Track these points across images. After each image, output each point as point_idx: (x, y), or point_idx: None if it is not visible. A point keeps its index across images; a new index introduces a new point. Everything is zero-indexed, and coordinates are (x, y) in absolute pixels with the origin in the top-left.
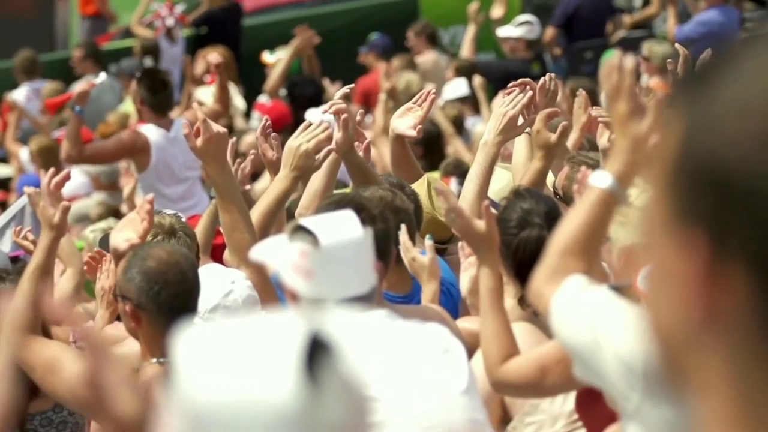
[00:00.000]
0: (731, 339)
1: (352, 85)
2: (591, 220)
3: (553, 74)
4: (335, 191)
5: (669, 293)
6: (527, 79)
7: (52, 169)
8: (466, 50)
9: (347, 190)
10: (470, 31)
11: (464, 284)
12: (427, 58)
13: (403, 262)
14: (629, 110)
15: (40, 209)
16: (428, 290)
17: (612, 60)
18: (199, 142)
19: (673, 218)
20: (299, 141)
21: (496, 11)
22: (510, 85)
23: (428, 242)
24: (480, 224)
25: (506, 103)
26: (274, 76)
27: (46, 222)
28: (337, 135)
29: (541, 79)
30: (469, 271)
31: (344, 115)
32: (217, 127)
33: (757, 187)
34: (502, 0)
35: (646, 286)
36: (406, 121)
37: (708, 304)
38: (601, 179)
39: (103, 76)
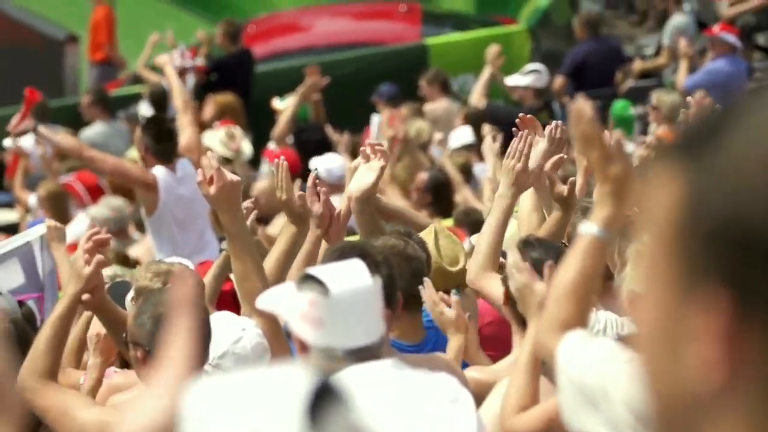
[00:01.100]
0: (752, 400)
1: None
2: (583, 268)
3: (559, 122)
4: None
5: (679, 354)
6: (531, 117)
7: (95, 228)
8: (477, 94)
9: (355, 238)
10: (485, 74)
11: (450, 353)
12: (439, 105)
13: (416, 311)
14: (602, 156)
15: (73, 260)
16: (454, 344)
17: (576, 108)
18: (212, 190)
19: (686, 277)
20: (278, 194)
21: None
22: (517, 121)
23: (454, 298)
24: (541, 285)
25: (510, 155)
26: (281, 123)
27: (76, 273)
28: (366, 178)
29: (547, 128)
30: (456, 339)
31: (382, 157)
32: (231, 175)
33: None
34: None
35: (642, 346)
36: (366, 178)
37: (731, 361)
38: (588, 227)
39: (31, 138)
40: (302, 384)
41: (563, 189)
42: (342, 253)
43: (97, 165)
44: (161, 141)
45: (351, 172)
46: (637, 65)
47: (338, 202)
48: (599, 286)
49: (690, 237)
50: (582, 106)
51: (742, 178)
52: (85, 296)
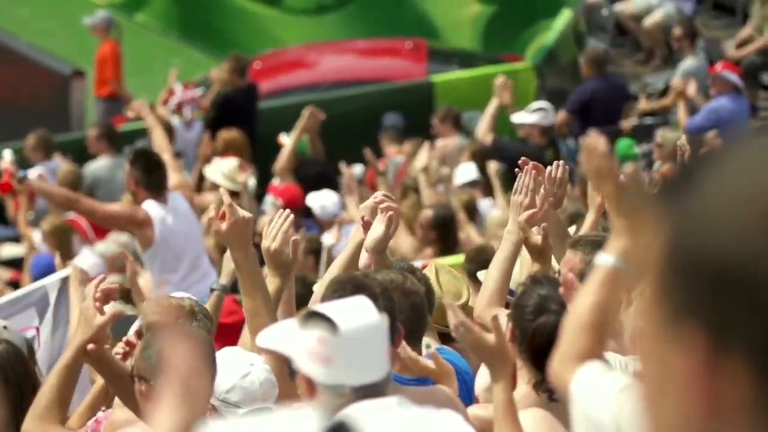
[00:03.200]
0: (735, 429)
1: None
2: (599, 299)
3: (561, 162)
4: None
5: (668, 392)
6: (535, 163)
7: (102, 276)
8: (483, 128)
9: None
10: (491, 107)
11: (480, 383)
12: (450, 142)
13: (416, 346)
14: (616, 189)
15: (83, 307)
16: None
17: (589, 143)
18: (224, 226)
19: (669, 317)
20: (266, 243)
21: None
22: (520, 162)
23: (431, 351)
24: (490, 338)
25: (518, 191)
26: (282, 157)
27: (86, 320)
28: (379, 231)
29: (548, 168)
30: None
31: (390, 213)
32: (243, 212)
33: (755, 278)
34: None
35: (640, 384)
36: (377, 231)
37: (709, 399)
38: (605, 258)
39: (7, 154)
40: (314, 425)
41: (537, 239)
42: (339, 284)
43: (91, 214)
44: (151, 173)
45: (364, 210)
46: (643, 104)
47: (331, 238)
48: (616, 317)
49: (670, 275)
50: (595, 141)
51: (713, 218)
52: (90, 346)
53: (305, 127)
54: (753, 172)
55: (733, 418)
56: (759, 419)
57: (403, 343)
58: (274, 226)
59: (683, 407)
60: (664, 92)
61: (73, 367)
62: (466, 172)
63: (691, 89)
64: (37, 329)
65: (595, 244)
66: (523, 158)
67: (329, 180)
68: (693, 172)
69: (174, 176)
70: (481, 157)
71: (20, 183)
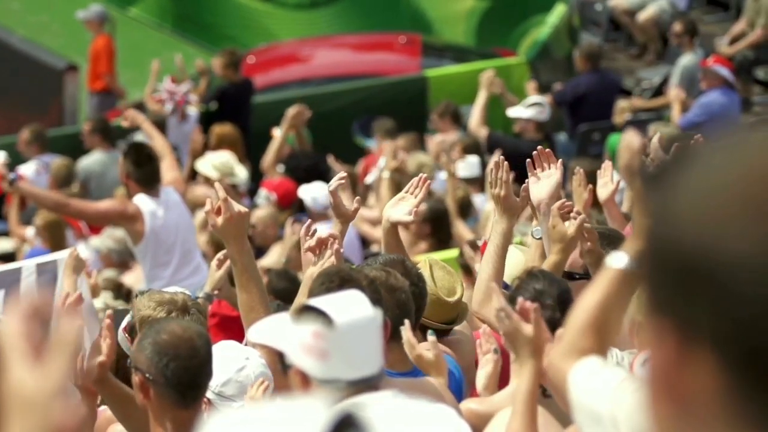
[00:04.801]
0: (708, 421)
1: (344, 174)
2: (606, 297)
3: (560, 160)
4: None
5: (649, 384)
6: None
7: (68, 290)
8: (475, 120)
9: None
10: (481, 99)
11: (480, 381)
12: (449, 137)
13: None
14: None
15: (55, 329)
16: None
17: (626, 140)
18: (219, 220)
19: (648, 311)
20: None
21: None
22: (535, 153)
23: (431, 338)
24: (528, 329)
25: (492, 185)
26: (269, 153)
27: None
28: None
29: (534, 152)
30: (486, 367)
31: (336, 247)
32: (238, 207)
33: (715, 269)
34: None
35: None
36: (401, 209)
37: (680, 389)
38: (618, 259)
39: (32, 166)
40: (321, 417)
41: (566, 228)
42: (327, 278)
43: (81, 216)
44: (141, 165)
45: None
46: (637, 102)
47: (325, 230)
48: (621, 318)
49: (647, 269)
50: (632, 138)
51: (679, 212)
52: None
53: (291, 123)
54: (718, 168)
55: (704, 406)
56: (729, 412)
57: (407, 324)
58: (324, 260)
59: (655, 399)
60: (659, 89)
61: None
62: (469, 166)
63: (682, 95)
64: None
65: (602, 236)
66: (535, 153)
67: (319, 172)
68: (671, 167)
69: (170, 174)
70: (470, 151)
71: (10, 185)
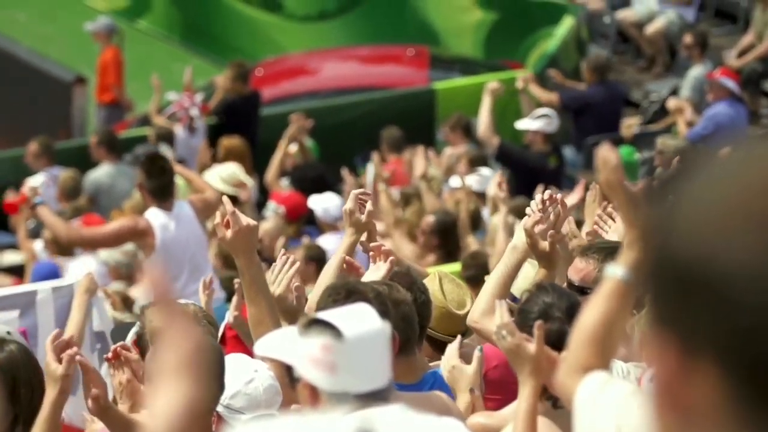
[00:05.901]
0: (711, 431)
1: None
2: (607, 311)
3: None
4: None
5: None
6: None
7: (56, 331)
8: (485, 128)
9: None
10: (486, 103)
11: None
12: (459, 150)
13: (411, 354)
14: (627, 201)
15: (45, 364)
16: (462, 400)
17: (602, 156)
18: (228, 234)
19: (652, 323)
20: (272, 288)
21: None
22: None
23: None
24: (531, 347)
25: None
26: (272, 166)
27: (51, 376)
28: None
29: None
30: (471, 365)
31: (391, 258)
32: (247, 220)
33: (712, 280)
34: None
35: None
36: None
37: (683, 401)
38: (614, 270)
39: (40, 179)
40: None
41: (545, 245)
42: (334, 290)
43: (96, 244)
44: (152, 177)
45: (346, 215)
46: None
47: (335, 241)
48: (623, 330)
49: (649, 282)
50: (608, 153)
51: (678, 224)
52: (94, 397)
53: (292, 135)
54: (720, 179)
55: (708, 422)
56: (732, 422)
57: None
58: (279, 275)
59: (658, 409)
60: (670, 95)
61: (52, 421)
62: (483, 181)
63: (688, 114)
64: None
65: (607, 251)
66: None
67: (326, 183)
68: (675, 180)
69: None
70: (476, 163)
71: (32, 209)
